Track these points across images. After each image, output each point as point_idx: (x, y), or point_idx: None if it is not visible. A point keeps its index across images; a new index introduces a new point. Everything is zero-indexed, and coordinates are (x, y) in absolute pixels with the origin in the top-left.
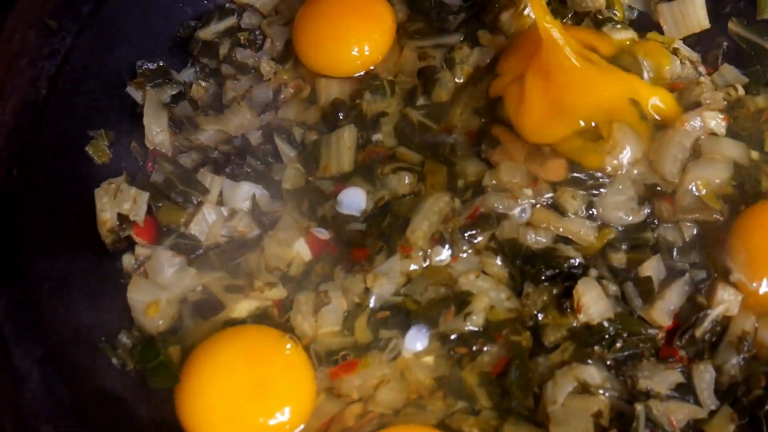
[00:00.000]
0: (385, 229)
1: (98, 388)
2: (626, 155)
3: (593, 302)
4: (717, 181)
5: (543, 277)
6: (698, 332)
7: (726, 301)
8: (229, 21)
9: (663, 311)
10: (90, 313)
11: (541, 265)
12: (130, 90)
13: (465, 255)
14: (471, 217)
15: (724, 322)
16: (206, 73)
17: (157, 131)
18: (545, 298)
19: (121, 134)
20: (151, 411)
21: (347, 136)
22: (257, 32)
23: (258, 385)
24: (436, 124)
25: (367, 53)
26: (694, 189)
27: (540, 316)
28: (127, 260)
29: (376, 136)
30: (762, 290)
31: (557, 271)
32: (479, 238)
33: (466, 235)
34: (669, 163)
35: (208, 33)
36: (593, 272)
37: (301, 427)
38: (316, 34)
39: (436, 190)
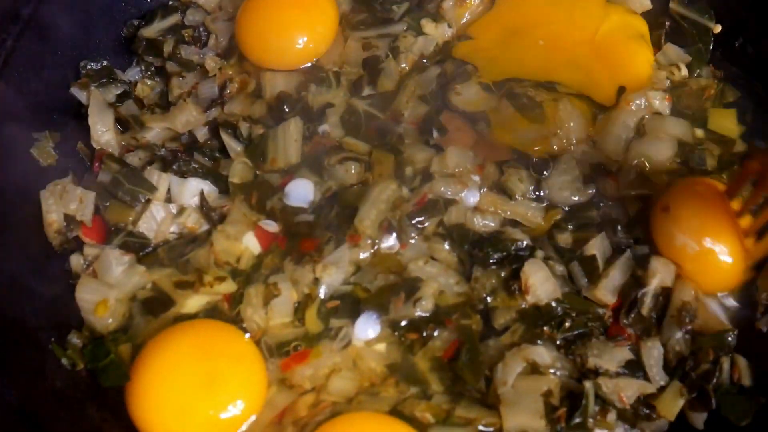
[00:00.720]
0: (333, 219)
1: (48, 389)
2: (571, 135)
3: (540, 283)
4: (661, 159)
5: (491, 261)
6: (644, 310)
7: (659, 271)
8: (173, 18)
9: (607, 289)
10: (39, 315)
11: (489, 249)
12: (75, 91)
13: (413, 242)
14: (419, 203)
15: (667, 295)
16: (151, 71)
17: (102, 131)
18: (494, 282)
19: (67, 135)
20: (103, 410)
21: (293, 129)
22: (201, 29)
23: (207, 379)
24: (383, 113)
25: (311, 45)
26: (637, 165)
27: (489, 300)
28: (76, 260)
29: (323, 128)
30: (698, 263)
31: (505, 254)
32: (427, 224)
33: (414, 221)
34: (613, 142)
35: (151, 31)
36: (540, 253)
37: (253, 418)
38: (259, 28)
39: (383, 178)
